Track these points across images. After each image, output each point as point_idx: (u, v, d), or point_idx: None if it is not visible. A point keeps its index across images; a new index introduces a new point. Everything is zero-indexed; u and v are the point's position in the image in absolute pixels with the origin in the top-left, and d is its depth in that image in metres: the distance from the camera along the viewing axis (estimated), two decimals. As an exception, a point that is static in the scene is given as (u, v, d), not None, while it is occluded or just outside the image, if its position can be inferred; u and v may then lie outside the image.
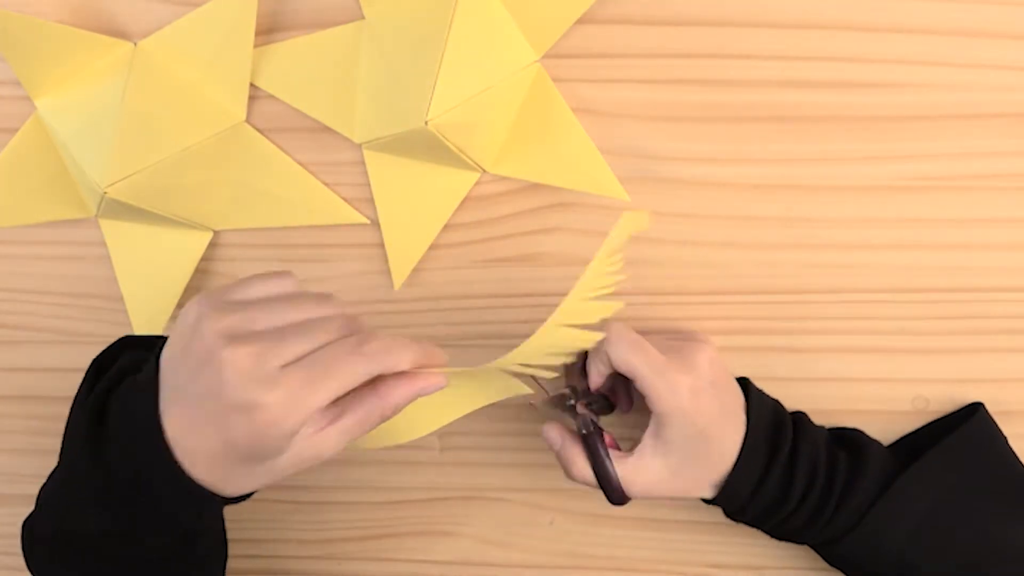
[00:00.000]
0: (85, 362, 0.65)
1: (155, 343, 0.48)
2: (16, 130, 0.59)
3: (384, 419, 0.46)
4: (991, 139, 0.56)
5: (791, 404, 0.61)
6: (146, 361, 0.48)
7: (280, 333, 0.44)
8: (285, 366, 0.43)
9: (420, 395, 0.47)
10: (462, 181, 0.59)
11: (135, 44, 0.57)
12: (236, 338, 0.43)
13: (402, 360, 0.45)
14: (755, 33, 0.55)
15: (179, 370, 0.45)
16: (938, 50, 0.55)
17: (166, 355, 0.46)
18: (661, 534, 0.66)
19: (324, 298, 0.47)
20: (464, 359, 0.63)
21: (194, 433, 0.45)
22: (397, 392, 0.46)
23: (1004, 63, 0.55)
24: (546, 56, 0.56)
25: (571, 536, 0.66)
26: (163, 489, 0.46)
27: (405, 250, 0.60)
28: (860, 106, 0.56)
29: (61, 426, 0.64)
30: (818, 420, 0.61)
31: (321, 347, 0.44)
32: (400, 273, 0.61)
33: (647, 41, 0.56)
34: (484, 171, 0.58)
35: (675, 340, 0.57)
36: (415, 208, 0.59)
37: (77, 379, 0.65)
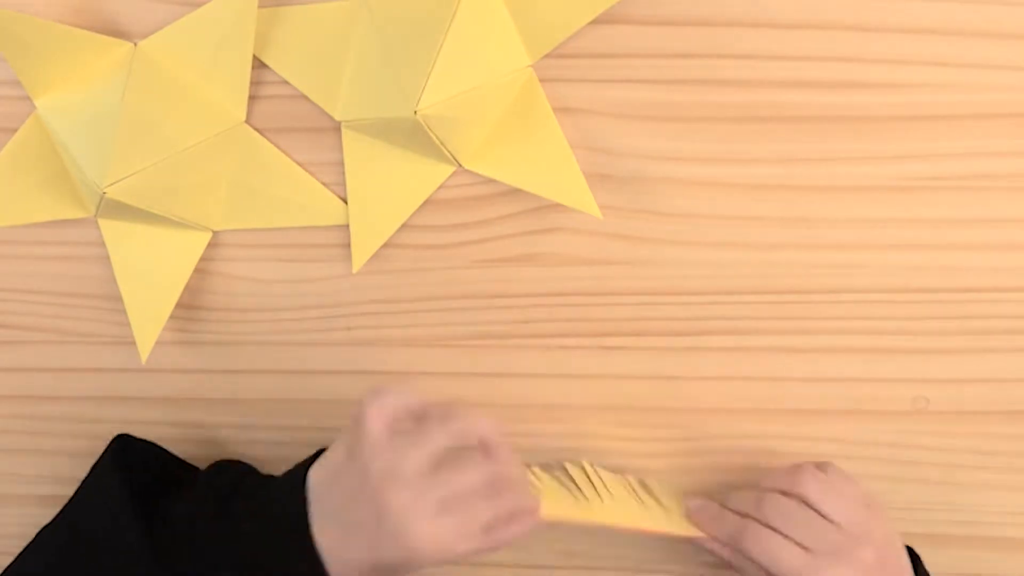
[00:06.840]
0: (85, 362, 0.65)
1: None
2: (16, 130, 0.59)
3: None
4: (991, 139, 0.56)
5: (791, 404, 0.61)
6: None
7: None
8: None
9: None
10: (436, 172, 0.58)
11: (135, 44, 0.57)
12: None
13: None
14: (755, 33, 0.55)
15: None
16: (938, 50, 0.55)
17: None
18: (661, 534, 0.66)
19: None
20: (465, 359, 0.63)
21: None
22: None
23: (1004, 63, 0.55)
24: (546, 55, 0.56)
25: (571, 536, 0.66)
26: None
27: (369, 233, 0.60)
28: (860, 106, 0.56)
29: (61, 426, 0.64)
30: (818, 420, 0.61)
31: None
32: (361, 255, 0.60)
33: (647, 41, 0.56)
34: (459, 165, 0.58)
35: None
36: (385, 192, 0.59)
37: (77, 379, 0.66)
